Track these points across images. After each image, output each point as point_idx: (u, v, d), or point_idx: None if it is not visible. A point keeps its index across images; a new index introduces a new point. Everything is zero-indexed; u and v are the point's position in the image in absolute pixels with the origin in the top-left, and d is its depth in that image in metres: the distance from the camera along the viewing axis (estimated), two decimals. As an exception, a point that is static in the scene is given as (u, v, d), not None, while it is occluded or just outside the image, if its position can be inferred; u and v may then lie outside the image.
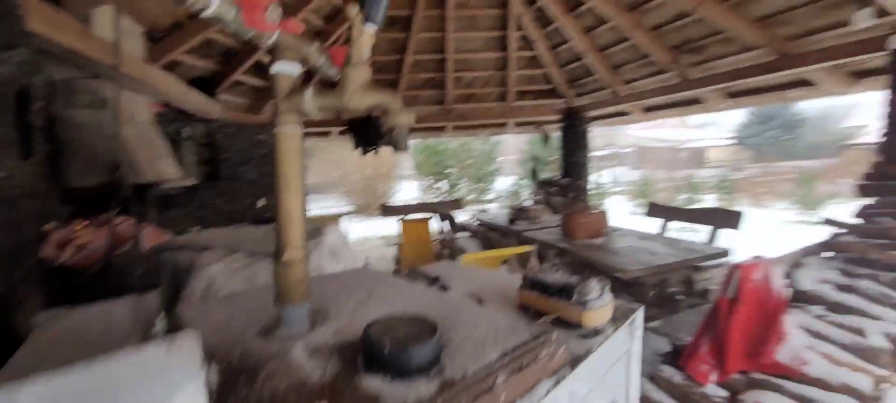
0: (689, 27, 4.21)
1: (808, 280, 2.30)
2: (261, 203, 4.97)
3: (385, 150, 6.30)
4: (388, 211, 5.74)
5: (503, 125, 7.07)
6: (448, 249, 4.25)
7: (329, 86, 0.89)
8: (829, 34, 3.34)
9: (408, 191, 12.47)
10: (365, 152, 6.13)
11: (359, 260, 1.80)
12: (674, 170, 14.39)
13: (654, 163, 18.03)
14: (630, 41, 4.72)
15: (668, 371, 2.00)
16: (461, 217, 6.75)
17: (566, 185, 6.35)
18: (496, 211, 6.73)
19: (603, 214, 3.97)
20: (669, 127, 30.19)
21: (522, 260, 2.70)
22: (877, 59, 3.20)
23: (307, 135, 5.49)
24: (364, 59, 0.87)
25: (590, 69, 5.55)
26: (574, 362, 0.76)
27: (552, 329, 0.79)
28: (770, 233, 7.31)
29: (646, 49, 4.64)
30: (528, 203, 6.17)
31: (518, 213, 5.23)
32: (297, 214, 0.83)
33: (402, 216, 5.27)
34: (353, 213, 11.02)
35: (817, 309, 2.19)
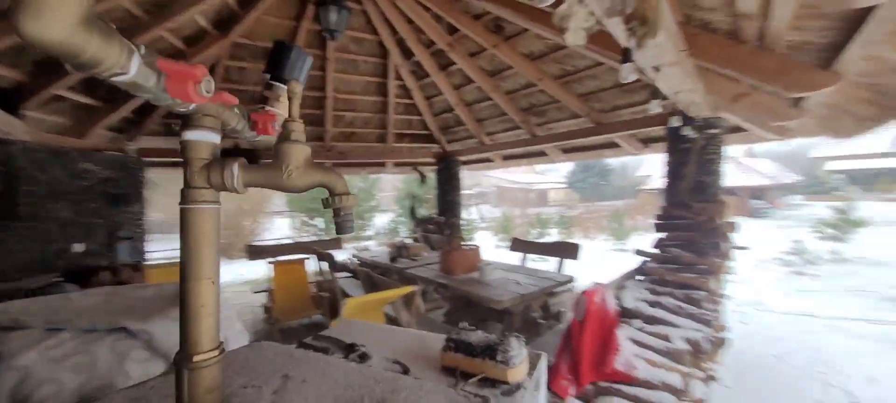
0: (534, 95, 4.99)
1: (630, 299, 2.84)
2: (79, 248, 3.89)
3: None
4: (255, 252, 5.10)
5: (383, 164, 7.10)
6: (327, 292, 3.95)
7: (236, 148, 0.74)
8: (627, 111, 4.37)
9: (279, 229, 11.33)
10: (229, 188, 5.42)
11: (235, 322, 1.50)
12: (526, 208, 16.41)
13: (510, 202, 20.35)
14: (491, 101, 5.34)
15: (540, 392, 2.18)
16: (341, 256, 6.41)
17: (442, 223, 6.64)
18: (376, 249, 6.60)
19: (477, 250, 4.25)
20: (521, 171, 34.68)
21: (407, 300, 2.68)
22: (660, 131, 4.33)
23: (152, 163, 4.59)
24: (303, 133, 0.77)
25: (460, 120, 6.06)
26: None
27: (487, 394, 0.79)
28: (597, 260, 8.83)
29: (503, 109, 5.31)
30: (408, 240, 6.24)
31: (399, 251, 5.23)
32: (212, 305, 0.67)
33: (272, 258, 4.74)
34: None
35: (637, 323, 2.69)
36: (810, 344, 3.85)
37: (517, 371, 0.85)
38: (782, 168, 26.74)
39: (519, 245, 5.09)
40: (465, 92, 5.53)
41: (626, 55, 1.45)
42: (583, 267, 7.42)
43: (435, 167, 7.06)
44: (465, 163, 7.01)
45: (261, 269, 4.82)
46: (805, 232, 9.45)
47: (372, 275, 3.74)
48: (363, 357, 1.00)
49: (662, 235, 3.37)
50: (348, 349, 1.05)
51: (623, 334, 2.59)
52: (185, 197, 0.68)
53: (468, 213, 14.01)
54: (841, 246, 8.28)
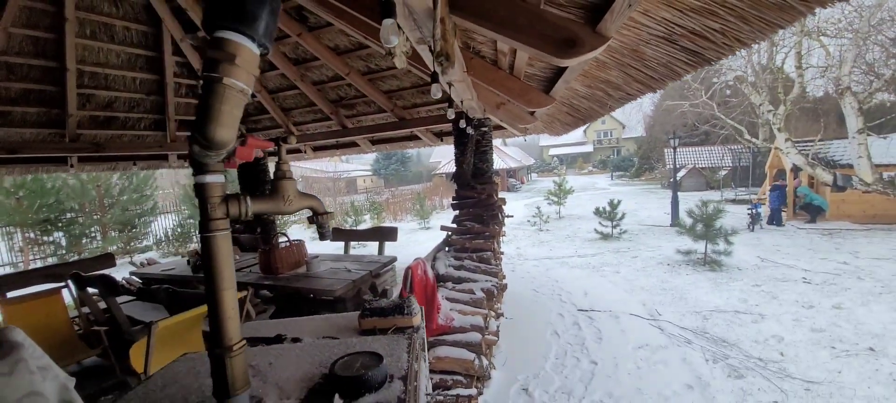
0: (343, 88, 5.04)
1: (442, 267, 3.38)
2: None
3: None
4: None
5: (164, 158, 5.71)
6: (104, 326, 3.05)
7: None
8: (423, 109, 4.98)
9: None
10: None
11: (54, 368, 1.09)
12: (337, 197, 16.16)
13: (320, 192, 19.49)
14: (298, 90, 5.08)
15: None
16: (119, 276, 4.91)
17: (252, 221, 5.92)
18: (165, 261, 5.32)
19: (302, 244, 4.06)
20: (327, 160, 33.52)
21: (231, 308, 2.40)
22: (449, 127, 5.15)
23: None
24: (291, 170, 0.99)
25: (263, 108, 5.49)
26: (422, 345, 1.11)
27: (412, 333, 1.12)
28: (408, 239, 9.68)
29: (312, 99, 5.14)
30: None
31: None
32: (236, 307, 0.86)
33: (-10, 295, 3.24)
34: None
35: (450, 284, 3.26)
36: (551, 278, 5.48)
37: (417, 318, 1.20)
38: (524, 154, 35.31)
39: (340, 234, 5.12)
40: (268, 78, 5.06)
41: (434, 77, 1.79)
42: (400, 246, 8.02)
43: (234, 160, 6.18)
44: (272, 154, 6.40)
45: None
46: (541, 201, 12.95)
47: (177, 292, 3.06)
48: (296, 340, 1.07)
49: (459, 212, 4.09)
50: (276, 340, 1.10)
51: (441, 295, 3.08)
52: (206, 227, 0.82)
53: (274, 207, 12.74)
54: (560, 207, 11.80)
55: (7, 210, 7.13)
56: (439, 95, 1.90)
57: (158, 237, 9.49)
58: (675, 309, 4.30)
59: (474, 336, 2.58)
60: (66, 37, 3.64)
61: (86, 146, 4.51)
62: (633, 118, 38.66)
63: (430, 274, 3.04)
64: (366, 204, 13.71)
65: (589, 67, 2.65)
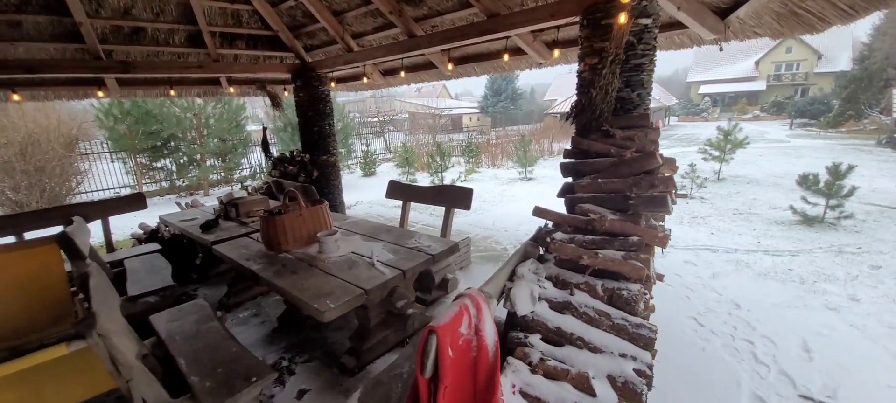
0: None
1: (525, 299, 1.65)
2: None
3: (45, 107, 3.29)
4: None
5: (214, 82, 4.94)
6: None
7: None
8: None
9: (109, 176, 8.29)
10: None
11: None
12: (435, 135, 15.00)
13: (425, 129, 18.61)
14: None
15: None
16: (150, 220, 4.45)
17: (305, 162, 4.92)
18: (209, 205, 4.65)
19: (322, 210, 2.76)
20: (436, 96, 32.63)
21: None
22: (572, 30, 3.08)
23: None
24: None
25: (311, 14, 4.13)
26: None
27: None
28: (503, 192, 7.94)
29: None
30: (241, 193, 4.47)
31: (226, 209, 3.53)
32: None
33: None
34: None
35: (535, 340, 1.54)
36: (723, 296, 3.22)
37: None
38: (664, 91, 28.72)
39: (394, 191, 3.70)
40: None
41: None
42: (488, 204, 6.36)
43: (293, 85, 5.10)
44: (334, 79, 5.16)
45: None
46: (692, 153, 9.57)
47: (106, 268, 2.08)
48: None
49: (572, 180, 2.18)
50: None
51: (510, 379, 1.41)
52: None
53: (367, 144, 12.17)
54: (721, 166, 8.45)
55: (117, 136, 7.64)
56: None
57: (254, 169, 9.58)
58: None
59: None
60: None
61: (115, 65, 3.78)
62: (835, 45, 27.73)
63: (490, 330, 1.36)
64: (461, 144, 12.17)
65: None
